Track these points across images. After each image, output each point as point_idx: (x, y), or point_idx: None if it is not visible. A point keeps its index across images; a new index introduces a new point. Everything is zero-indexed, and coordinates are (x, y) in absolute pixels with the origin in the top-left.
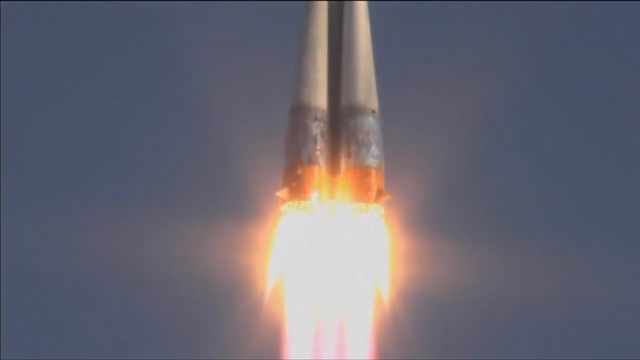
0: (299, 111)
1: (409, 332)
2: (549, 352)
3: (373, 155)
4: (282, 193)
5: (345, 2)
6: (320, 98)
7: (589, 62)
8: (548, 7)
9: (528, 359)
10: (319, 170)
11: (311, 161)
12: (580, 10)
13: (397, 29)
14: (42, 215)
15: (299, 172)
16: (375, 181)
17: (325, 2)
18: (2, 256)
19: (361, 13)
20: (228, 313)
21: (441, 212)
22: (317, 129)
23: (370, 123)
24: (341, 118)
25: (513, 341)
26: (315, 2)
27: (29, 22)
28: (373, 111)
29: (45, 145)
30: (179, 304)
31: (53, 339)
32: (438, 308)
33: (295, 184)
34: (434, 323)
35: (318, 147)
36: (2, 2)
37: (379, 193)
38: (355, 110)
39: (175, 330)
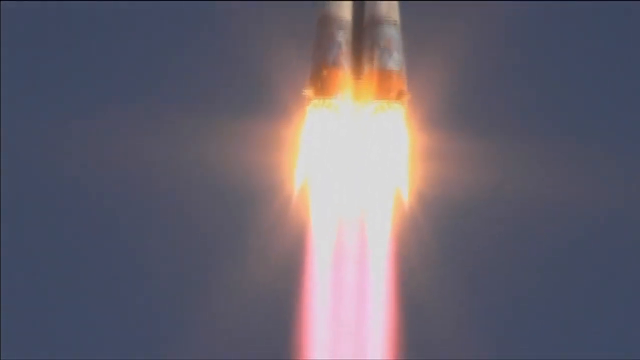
0: (325, 22)
1: (427, 231)
2: (567, 256)
3: (394, 60)
4: (308, 92)
5: None
6: (344, 10)
7: None
8: None
9: (544, 262)
10: (343, 73)
11: (336, 64)
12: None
13: None
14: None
15: (324, 73)
16: (396, 82)
17: None
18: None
19: None
20: (257, 212)
21: (462, 110)
22: (342, 37)
23: (392, 32)
24: (365, 28)
25: (532, 243)
26: None
27: (29, 22)
28: (395, 22)
29: (47, 144)
30: (201, 202)
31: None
32: (456, 205)
33: (321, 84)
34: (451, 221)
35: (342, 52)
36: (2, 2)
37: (400, 93)
38: (378, 21)
39: (198, 230)
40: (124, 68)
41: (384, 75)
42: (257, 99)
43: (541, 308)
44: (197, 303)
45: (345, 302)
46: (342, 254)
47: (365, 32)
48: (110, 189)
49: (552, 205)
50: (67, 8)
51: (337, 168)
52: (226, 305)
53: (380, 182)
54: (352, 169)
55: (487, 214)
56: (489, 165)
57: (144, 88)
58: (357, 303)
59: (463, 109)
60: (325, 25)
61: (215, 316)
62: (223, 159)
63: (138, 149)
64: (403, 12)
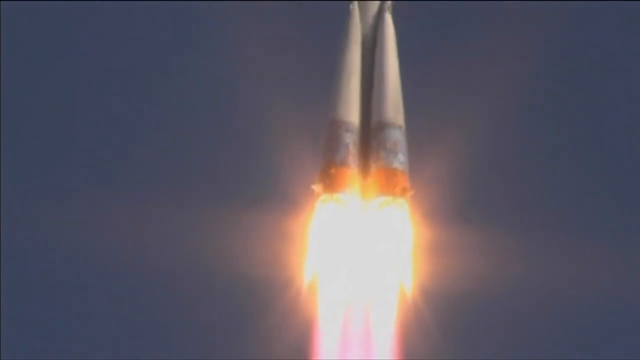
0: (335, 125)
1: (430, 324)
2: (573, 348)
3: (399, 161)
4: (317, 187)
5: (378, 34)
6: (353, 115)
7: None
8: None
9: (550, 356)
10: (351, 171)
11: (344, 163)
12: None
13: (421, 55)
14: (60, 207)
15: (333, 171)
16: (400, 180)
17: (359, 32)
18: (2, 256)
19: (390, 43)
20: (266, 304)
21: (463, 207)
22: (350, 139)
23: (397, 135)
24: (371, 131)
25: (536, 336)
26: (350, 33)
27: (29, 22)
28: (400, 126)
29: (47, 143)
30: (209, 295)
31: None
32: (458, 298)
33: (329, 181)
34: (454, 314)
35: (350, 153)
36: (2, 2)
37: (404, 190)
38: (384, 125)
39: (206, 324)
40: (131, 158)
41: (389, 173)
42: (268, 194)
43: None
44: None
45: None
46: (347, 345)
47: (372, 134)
48: (115, 282)
49: (557, 299)
50: (68, 8)
51: (344, 261)
52: None
53: (385, 274)
54: (358, 261)
55: (491, 307)
56: (491, 259)
57: (151, 179)
58: None
59: (464, 206)
60: (334, 128)
61: None
62: (233, 251)
63: (143, 241)
64: (408, 116)
